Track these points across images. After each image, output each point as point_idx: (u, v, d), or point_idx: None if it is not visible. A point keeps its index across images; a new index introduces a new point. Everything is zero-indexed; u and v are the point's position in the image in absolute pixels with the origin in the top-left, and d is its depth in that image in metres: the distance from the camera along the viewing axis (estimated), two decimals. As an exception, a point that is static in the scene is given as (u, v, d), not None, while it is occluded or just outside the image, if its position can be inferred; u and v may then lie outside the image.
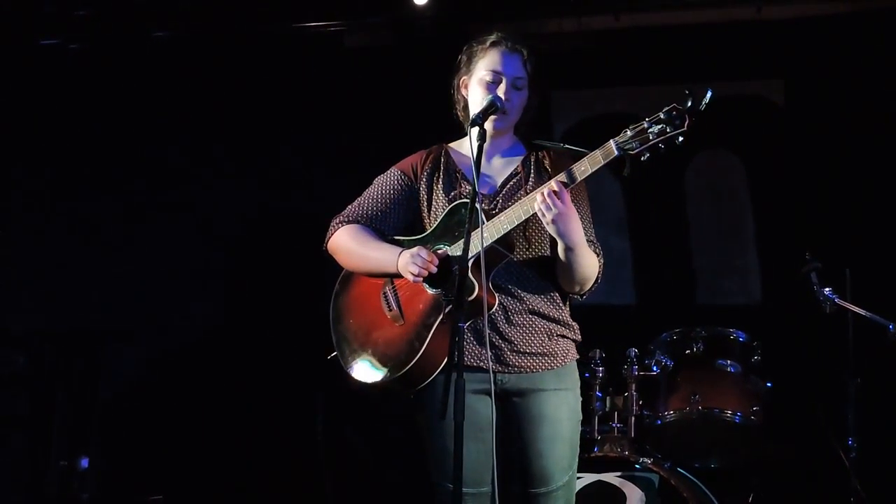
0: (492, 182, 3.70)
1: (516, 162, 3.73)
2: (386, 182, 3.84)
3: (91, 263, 6.78)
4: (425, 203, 3.75)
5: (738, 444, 5.18)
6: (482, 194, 3.62)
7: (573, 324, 3.73)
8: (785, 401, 5.33)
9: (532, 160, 3.71)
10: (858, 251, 5.68)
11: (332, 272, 3.89)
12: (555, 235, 3.45)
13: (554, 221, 3.39)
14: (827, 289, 5.03)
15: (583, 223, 3.57)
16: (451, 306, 3.32)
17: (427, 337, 3.51)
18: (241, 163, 6.90)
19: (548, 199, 3.37)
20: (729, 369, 5.18)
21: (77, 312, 6.70)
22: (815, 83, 6.31)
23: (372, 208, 3.82)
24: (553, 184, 3.40)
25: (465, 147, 3.74)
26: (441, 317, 3.50)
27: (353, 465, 6.51)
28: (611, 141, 3.35)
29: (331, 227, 3.86)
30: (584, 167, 3.41)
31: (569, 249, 3.47)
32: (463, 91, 3.76)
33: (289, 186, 6.85)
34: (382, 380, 3.60)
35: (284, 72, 6.84)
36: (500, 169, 3.70)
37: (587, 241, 3.58)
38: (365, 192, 3.87)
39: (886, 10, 6.12)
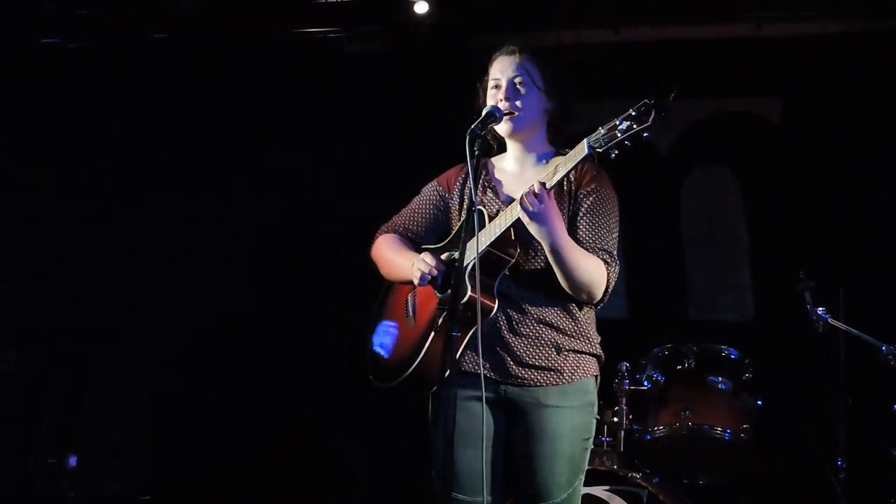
0: (516, 191, 3.65)
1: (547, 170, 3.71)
2: (423, 194, 3.96)
3: (85, 262, 6.76)
4: (456, 213, 3.83)
5: (727, 460, 5.18)
6: (501, 203, 3.66)
7: (591, 336, 3.70)
8: (775, 419, 5.33)
9: None
10: (853, 271, 5.68)
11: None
12: (535, 235, 3.44)
13: (532, 220, 3.40)
14: (820, 308, 5.04)
15: (599, 231, 3.59)
16: (445, 312, 3.46)
17: (427, 340, 3.56)
18: (239, 166, 6.90)
19: (526, 200, 3.39)
20: (720, 386, 5.16)
21: (69, 311, 6.69)
22: (812, 102, 6.32)
23: (408, 219, 3.96)
24: (535, 184, 3.41)
25: (504, 160, 3.81)
26: (440, 321, 3.54)
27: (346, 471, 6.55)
28: (584, 140, 3.35)
29: (375, 237, 3.99)
30: (562, 168, 3.40)
31: (553, 252, 3.45)
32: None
33: (286, 190, 6.85)
34: (396, 382, 3.65)
35: (284, 76, 6.84)
36: (531, 178, 3.61)
37: (599, 248, 3.56)
38: (409, 204, 3.99)
39: (884, 29, 6.13)
